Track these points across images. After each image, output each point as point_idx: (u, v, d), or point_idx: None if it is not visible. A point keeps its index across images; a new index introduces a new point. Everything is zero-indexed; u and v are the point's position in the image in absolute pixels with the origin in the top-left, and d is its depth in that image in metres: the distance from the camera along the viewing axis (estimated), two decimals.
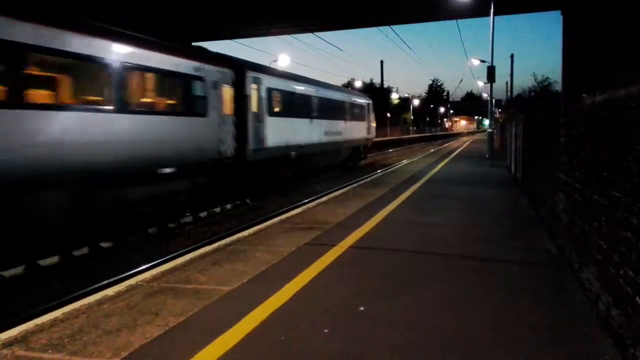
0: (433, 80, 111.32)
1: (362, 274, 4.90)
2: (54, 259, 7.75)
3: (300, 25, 25.98)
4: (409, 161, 22.90)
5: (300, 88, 17.57)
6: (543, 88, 51.83)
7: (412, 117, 79.82)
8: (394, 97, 70.18)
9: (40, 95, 7.52)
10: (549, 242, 6.09)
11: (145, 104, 9.74)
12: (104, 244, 8.72)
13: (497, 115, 62.86)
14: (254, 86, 13.82)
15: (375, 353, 3.20)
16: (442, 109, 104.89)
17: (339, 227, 7.25)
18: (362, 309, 3.96)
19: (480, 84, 73.41)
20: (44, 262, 7.58)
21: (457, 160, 22.23)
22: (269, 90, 14.83)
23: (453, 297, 4.22)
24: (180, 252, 7.63)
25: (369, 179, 14.79)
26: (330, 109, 20.49)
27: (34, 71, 7.49)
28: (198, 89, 11.28)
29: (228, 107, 12.55)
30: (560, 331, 3.49)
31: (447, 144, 46.94)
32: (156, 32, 13.65)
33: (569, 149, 4.94)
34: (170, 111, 10.48)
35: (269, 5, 21.20)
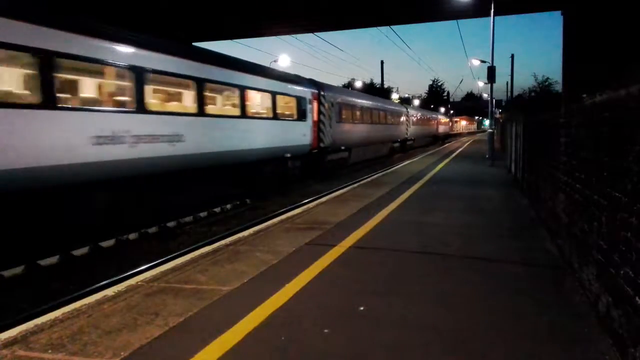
0: (433, 81, 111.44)
1: (362, 274, 4.90)
2: (54, 259, 7.75)
3: (301, 25, 25.99)
4: (409, 161, 22.90)
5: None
6: (543, 88, 51.88)
7: None
8: (395, 97, 70.10)
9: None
10: (549, 242, 6.09)
11: None
12: (104, 244, 8.73)
13: (498, 116, 62.85)
14: None
15: (375, 353, 3.20)
16: (442, 109, 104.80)
17: (339, 227, 7.25)
18: (362, 309, 3.95)
19: (481, 84, 73.44)
20: (44, 262, 7.58)
21: (457, 160, 22.22)
22: None
23: (453, 297, 4.22)
24: (180, 252, 7.65)
25: (369, 179, 14.78)
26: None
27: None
28: None
29: None
30: (560, 331, 3.49)
31: (447, 144, 46.92)
32: (157, 32, 13.66)
33: (569, 149, 4.93)
34: None
35: (269, 5, 21.20)
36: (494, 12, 20.14)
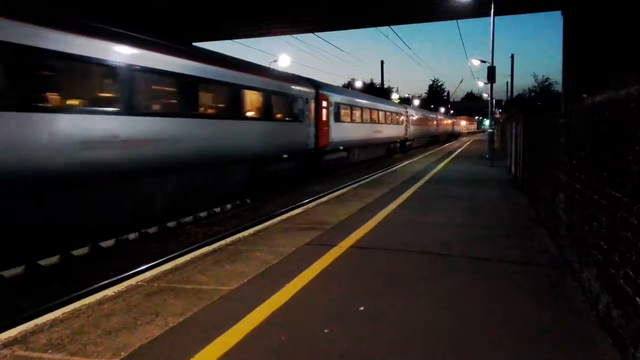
0: (433, 81, 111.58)
1: (362, 274, 4.90)
2: (54, 259, 7.75)
3: (301, 25, 25.99)
4: (409, 161, 22.89)
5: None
6: (543, 88, 51.92)
7: None
8: (395, 97, 70.08)
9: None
10: (549, 242, 6.09)
11: None
12: (104, 244, 8.73)
13: (498, 116, 62.90)
14: None
15: (375, 353, 3.20)
16: (442, 109, 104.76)
17: (339, 227, 7.25)
18: (362, 308, 3.96)
19: (481, 84, 73.38)
20: (44, 262, 7.58)
21: (457, 160, 22.23)
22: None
23: (453, 297, 4.22)
24: (180, 252, 7.63)
25: (369, 179, 14.79)
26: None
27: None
28: None
29: None
30: (560, 331, 3.49)
31: (447, 144, 46.92)
32: (156, 32, 13.65)
33: (569, 149, 4.93)
34: None
35: (269, 5, 21.20)
36: (494, 12, 20.14)
